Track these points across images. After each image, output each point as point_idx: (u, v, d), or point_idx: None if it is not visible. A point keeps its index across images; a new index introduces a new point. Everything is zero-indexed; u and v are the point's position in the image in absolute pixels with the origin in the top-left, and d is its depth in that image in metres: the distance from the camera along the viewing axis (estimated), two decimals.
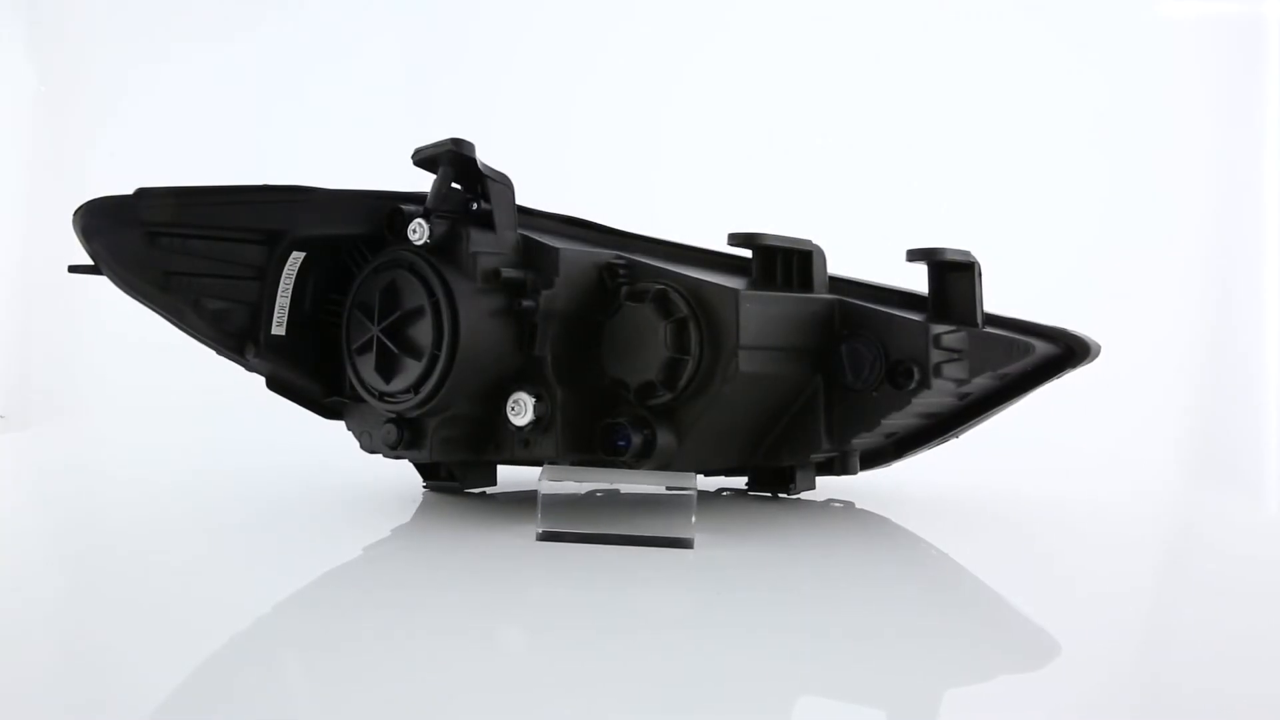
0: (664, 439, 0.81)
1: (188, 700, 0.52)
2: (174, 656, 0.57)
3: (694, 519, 0.78)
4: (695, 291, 0.81)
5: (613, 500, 0.81)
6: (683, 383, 0.80)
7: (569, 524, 0.79)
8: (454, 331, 0.80)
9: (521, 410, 0.81)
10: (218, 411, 1.34)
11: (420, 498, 0.93)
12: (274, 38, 1.86)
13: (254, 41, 1.85)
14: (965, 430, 0.95)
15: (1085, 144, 1.79)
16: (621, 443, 0.82)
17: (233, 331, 0.84)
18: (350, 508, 0.92)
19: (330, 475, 1.03)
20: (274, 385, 0.89)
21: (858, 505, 1.00)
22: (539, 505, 0.78)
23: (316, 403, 0.90)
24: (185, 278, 0.82)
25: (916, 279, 0.90)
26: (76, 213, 0.79)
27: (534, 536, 0.79)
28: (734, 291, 0.80)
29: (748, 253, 0.89)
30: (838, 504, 1.00)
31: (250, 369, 0.87)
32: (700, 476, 0.81)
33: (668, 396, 0.81)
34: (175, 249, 0.81)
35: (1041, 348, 0.88)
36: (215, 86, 1.84)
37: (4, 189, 1.83)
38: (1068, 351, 0.90)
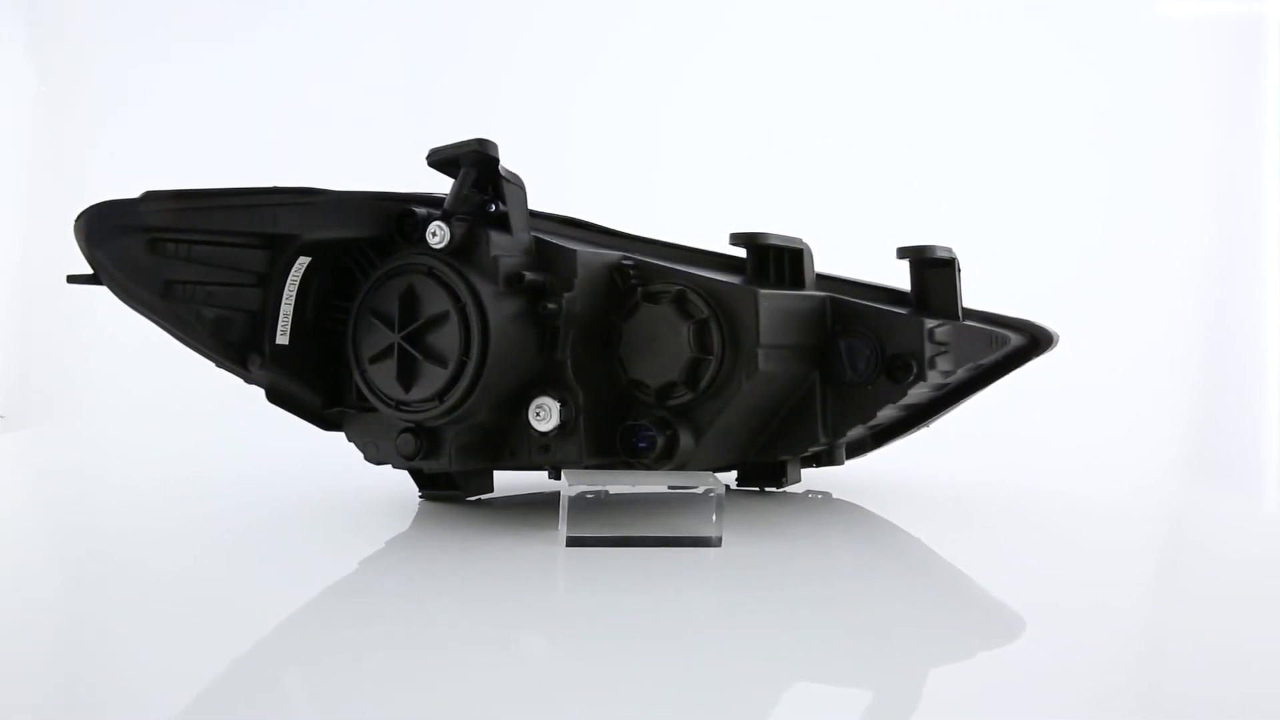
0: (685, 439, 0.82)
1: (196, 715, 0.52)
2: (175, 670, 0.57)
3: (715, 517, 0.78)
4: (712, 291, 0.82)
5: (634, 502, 0.81)
6: (705, 383, 0.81)
7: (594, 528, 0.79)
8: (483, 337, 0.79)
9: (546, 415, 0.81)
10: (216, 412, 1.34)
11: (417, 506, 0.92)
12: (274, 38, 1.86)
13: (254, 41, 1.85)
14: (936, 419, 0.99)
15: (1085, 144, 1.79)
16: (643, 444, 0.82)
17: (234, 342, 0.83)
18: (351, 516, 0.91)
19: (327, 479, 1.02)
20: (274, 397, 0.86)
21: (835, 495, 1.02)
22: (565, 510, 0.78)
23: (317, 414, 0.88)
24: (188, 286, 0.81)
25: (888, 273, 0.91)
26: (78, 219, 0.78)
27: (544, 541, 0.79)
28: (753, 291, 0.82)
29: (737, 250, 0.89)
30: (816, 495, 1.02)
31: (251, 381, 0.85)
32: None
33: (689, 396, 0.82)
34: (179, 255, 0.80)
35: (1013, 339, 0.92)
36: (215, 86, 1.84)
37: (4, 189, 1.83)
38: (1032, 341, 0.94)
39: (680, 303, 0.82)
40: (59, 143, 1.86)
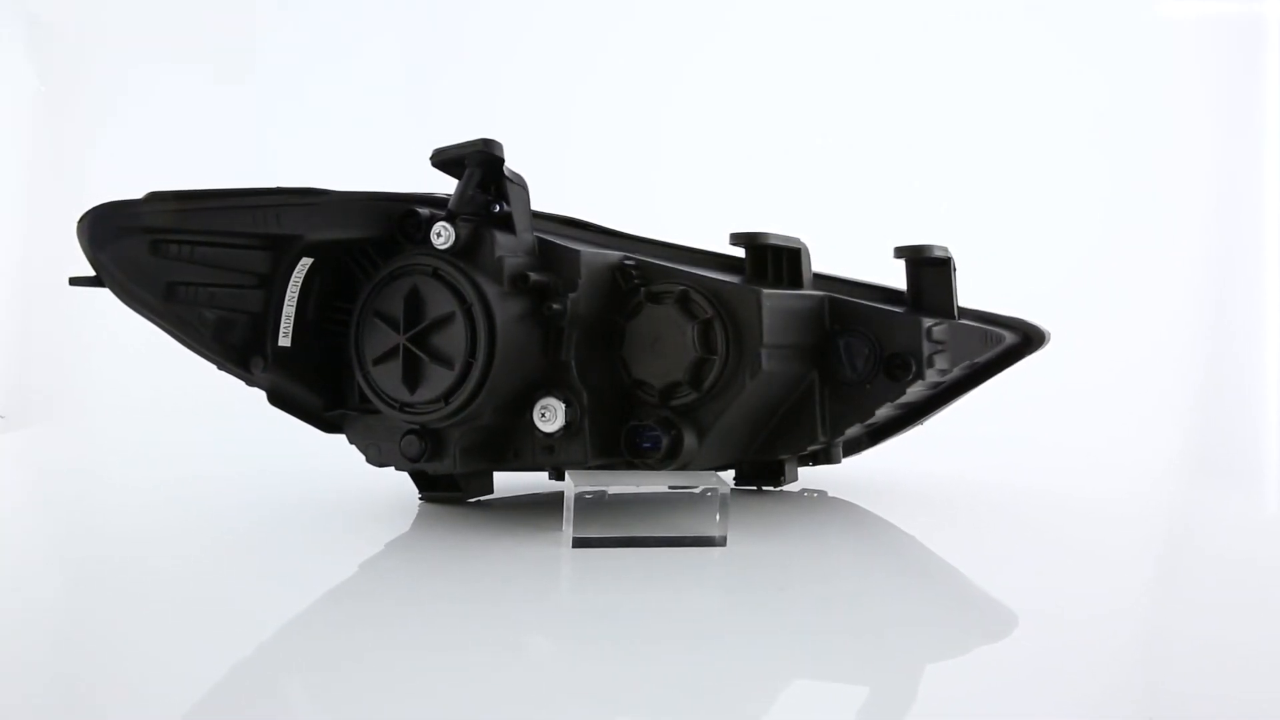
0: (689, 439, 0.82)
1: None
2: (175, 671, 0.57)
3: (719, 517, 0.79)
4: (715, 291, 0.82)
5: (639, 502, 0.81)
6: (709, 382, 0.81)
7: (599, 529, 0.79)
8: (490, 338, 0.79)
9: (551, 416, 0.81)
10: (217, 413, 1.34)
11: (417, 508, 0.92)
12: (274, 38, 1.86)
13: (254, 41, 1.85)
14: (929, 417, 1.00)
15: (1085, 144, 1.79)
16: (648, 444, 0.82)
17: (236, 344, 0.83)
18: (351, 518, 0.91)
19: (327, 481, 1.02)
20: (276, 400, 0.86)
21: (830, 494, 1.02)
22: (572, 512, 0.78)
23: (318, 416, 0.88)
24: (190, 287, 0.80)
25: (882, 272, 0.91)
26: (81, 220, 0.78)
27: (546, 542, 0.80)
28: (756, 291, 0.82)
29: (731, 249, 0.90)
30: (812, 494, 1.02)
31: (253, 383, 0.85)
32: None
33: (693, 396, 0.82)
34: (182, 257, 0.80)
35: (1007, 337, 0.93)
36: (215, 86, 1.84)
37: (4, 189, 1.83)
38: (1025, 339, 0.95)
39: (684, 303, 0.82)
40: (59, 143, 1.86)
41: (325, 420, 0.88)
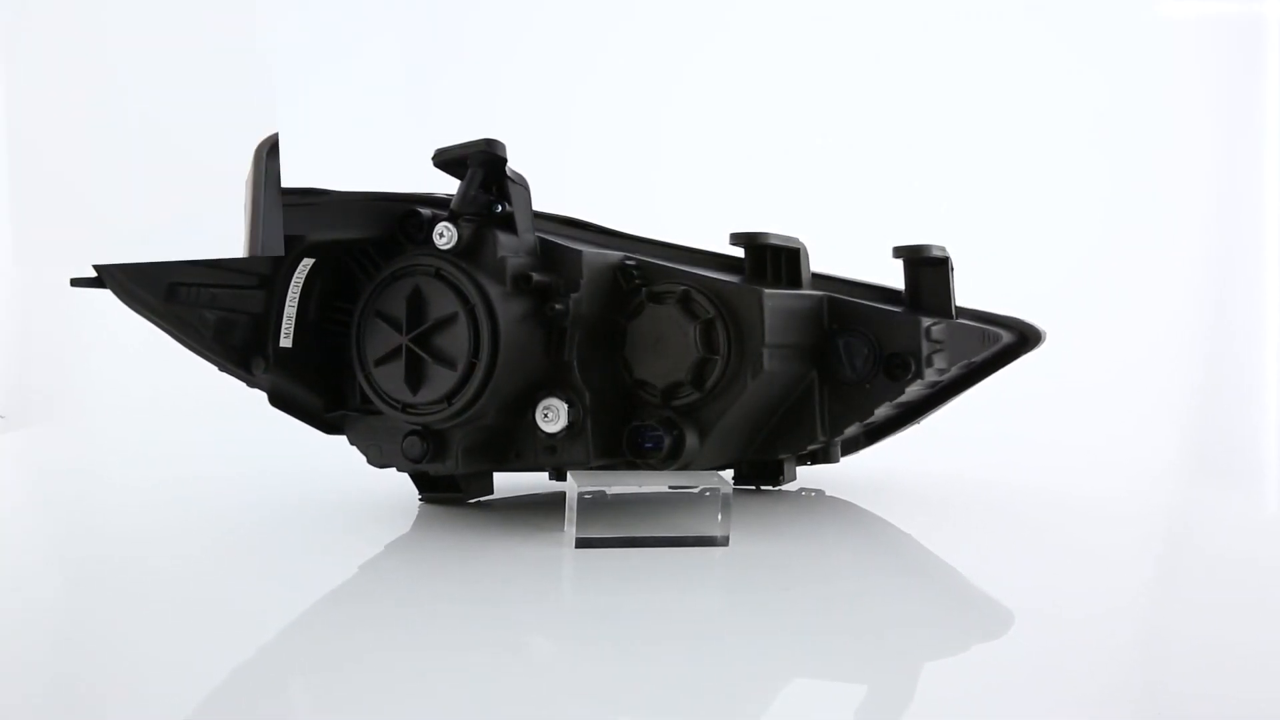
0: (691, 439, 0.82)
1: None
2: (175, 672, 0.57)
3: (720, 517, 0.79)
4: (717, 291, 0.83)
5: (641, 502, 0.81)
6: (711, 382, 0.82)
7: (602, 529, 0.79)
8: (493, 338, 0.79)
9: (554, 417, 0.81)
10: (217, 413, 1.34)
11: (417, 509, 0.92)
12: (274, 37, 1.86)
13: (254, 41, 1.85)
14: (926, 416, 1.00)
15: (1085, 144, 1.79)
16: (650, 445, 0.83)
17: (236, 345, 0.82)
18: (351, 519, 0.91)
19: (327, 481, 1.02)
20: (277, 401, 0.86)
21: (827, 493, 1.02)
22: (575, 512, 0.78)
23: (319, 417, 0.88)
24: (191, 288, 0.80)
25: (877, 271, 0.92)
26: None
27: (547, 542, 0.80)
28: (758, 291, 0.82)
29: (730, 249, 0.90)
30: (809, 493, 1.02)
31: (253, 384, 0.85)
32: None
33: (695, 396, 0.82)
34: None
35: (1004, 336, 0.93)
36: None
37: (3, 188, 1.83)
38: (1021, 339, 0.95)
39: (685, 303, 0.82)
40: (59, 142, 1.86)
41: (326, 421, 0.88)
